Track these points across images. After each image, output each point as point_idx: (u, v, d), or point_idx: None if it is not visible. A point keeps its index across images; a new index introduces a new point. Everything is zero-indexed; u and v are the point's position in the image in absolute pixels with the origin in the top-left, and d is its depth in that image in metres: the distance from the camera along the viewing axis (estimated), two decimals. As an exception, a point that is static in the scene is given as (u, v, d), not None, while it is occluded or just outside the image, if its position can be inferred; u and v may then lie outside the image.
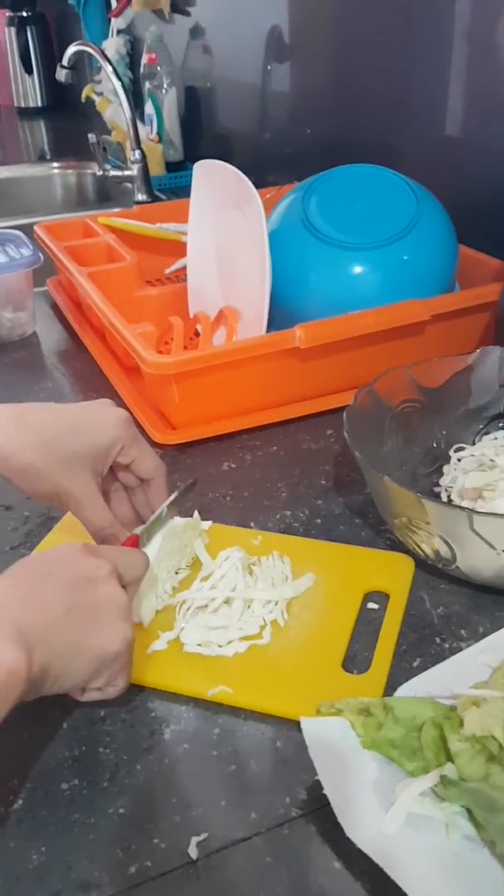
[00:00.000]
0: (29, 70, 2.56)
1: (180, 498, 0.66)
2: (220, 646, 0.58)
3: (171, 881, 0.45)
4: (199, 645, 0.58)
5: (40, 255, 1.08)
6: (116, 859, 0.46)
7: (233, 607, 0.60)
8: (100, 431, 0.61)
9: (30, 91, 2.60)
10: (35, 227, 1.17)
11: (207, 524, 0.70)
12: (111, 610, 0.50)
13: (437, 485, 0.72)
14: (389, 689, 0.55)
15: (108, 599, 0.50)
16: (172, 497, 0.65)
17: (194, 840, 0.47)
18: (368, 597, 0.63)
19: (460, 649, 0.58)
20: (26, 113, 2.61)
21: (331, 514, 0.73)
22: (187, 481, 0.69)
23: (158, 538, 0.62)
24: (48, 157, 2.17)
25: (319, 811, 0.48)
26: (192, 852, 0.46)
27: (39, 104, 2.61)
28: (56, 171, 2.02)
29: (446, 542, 0.58)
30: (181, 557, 0.65)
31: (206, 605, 0.60)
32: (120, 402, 0.92)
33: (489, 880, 0.43)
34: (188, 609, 0.60)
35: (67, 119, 2.48)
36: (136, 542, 0.60)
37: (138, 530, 0.62)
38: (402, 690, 0.54)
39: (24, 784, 0.50)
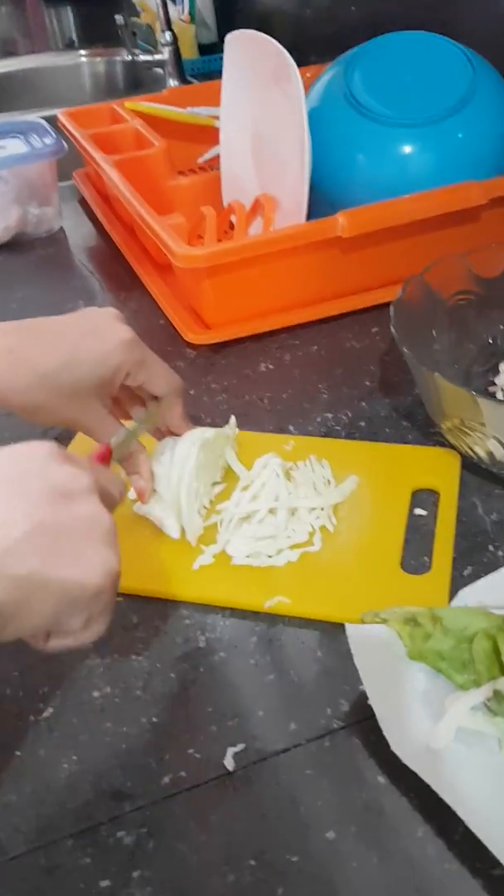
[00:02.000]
0: (54, -49, 2.41)
1: (153, 413, 0.60)
2: (269, 556, 0.55)
3: (205, 792, 0.43)
4: (248, 556, 0.55)
5: (64, 144, 1.02)
6: (149, 769, 0.44)
7: (278, 516, 0.56)
8: (101, 359, 0.54)
9: (55, -25, 2.45)
10: (58, 115, 1.10)
11: (234, 431, 0.65)
12: (91, 532, 0.39)
13: (493, 384, 0.67)
14: (453, 591, 0.51)
15: (87, 519, 0.39)
16: (145, 413, 0.59)
17: (230, 751, 0.45)
18: (416, 496, 0.59)
19: (514, 558, 0.54)
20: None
21: (376, 417, 0.69)
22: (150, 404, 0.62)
23: (193, 450, 0.58)
24: (76, 44, 2.05)
25: (363, 723, 0.46)
26: (229, 763, 0.44)
27: (66, -12, 2.46)
28: (84, 59, 1.91)
29: (502, 444, 0.54)
30: (215, 470, 0.61)
31: (250, 517, 0.57)
32: (151, 301, 0.87)
33: (544, 799, 0.40)
34: (231, 521, 0.57)
35: (95, 3, 2.33)
36: (106, 456, 0.53)
37: (112, 442, 0.56)
38: (453, 601, 0.50)
39: (55, 692, 0.49)
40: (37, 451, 0.40)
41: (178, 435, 0.60)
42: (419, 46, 0.83)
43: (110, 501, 0.43)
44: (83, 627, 0.39)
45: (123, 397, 0.60)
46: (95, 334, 0.55)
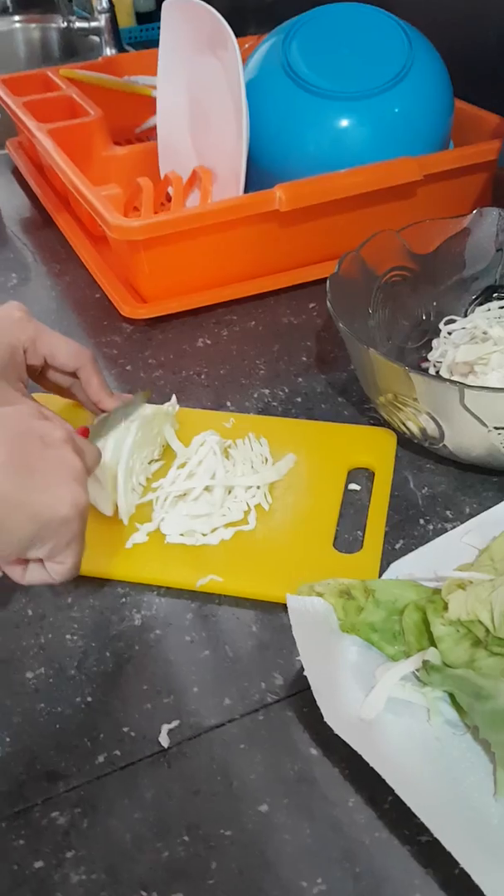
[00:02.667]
0: None
1: (134, 405, 0.60)
2: (203, 534, 0.54)
3: (140, 770, 0.43)
4: (182, 535, 0.54)
5: (-4, 111, 0.99)
6: (84, 749, 0.44)
7: (214, 494, 0.56)
8: None
9: None
10: (-10, 82, 1.07)
11: (175, 408, 0.65)
12: (62, 470, 0.44)
13: (426, 360, 0.68)
14: (385, 564, 0.52)
15: (59, 459, 0.44)
16: (123, 404, 0.60)
17: (165, 728, 0.45)
18: (352, 475, 0.59)
19: (445, 531, 0.55)
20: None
21: (312, 393, 0.69)
22: (139, 390, 0.64)
23: (131, 427, 0.57)
24: (10, 9, 1.99)
25: (296, 696, 0.46)
26: (163, 740, 0.44)
27: None
28: (17, 25, 1.85)
29: (434, 419, 0.55)
30: (153, 448, 0.61)
31: (186, 494, 0.57)
32: (86, 274, 0.86)
33: (470, 766, 0.42)
34: (166, 499, 0.56)
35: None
36: (85, 433, 0.55)
37: (91, 425, 0.57)
38: (385, 573, 0.51)
39: (-14, 673, 0.48)
40: (21, 407, 0.47)
41: (104, 409, 0.60)
42: (357, 19, 0.82)
43: (87, 464, 0.47)
44: (51, 556, 0.44)
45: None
46: None
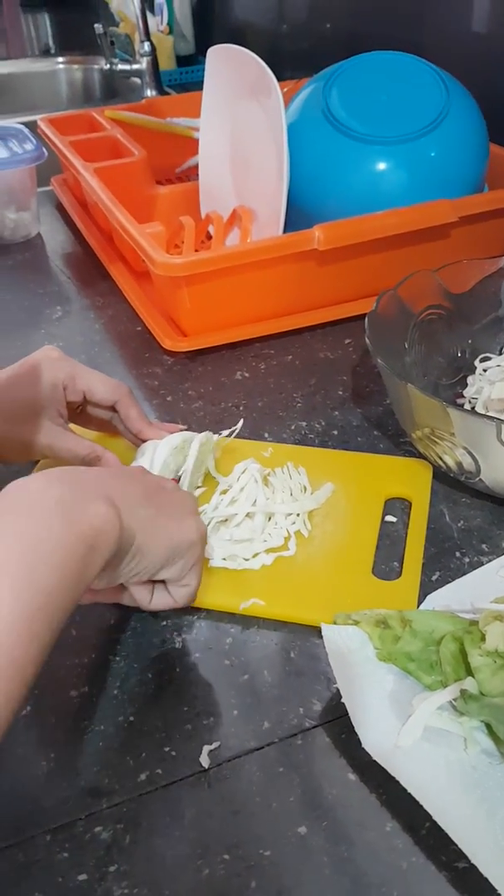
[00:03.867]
0: (32, -43, 2.41)
1: (205, 449, 0.63)
2: (245, 559, 0.56)
3: (181, 789, 0.44)
4: (225, 559, 0.56)
5: (44, 150, 1.03)
6: (126, 767, 0.45)
7: (255, 520, 0.58)
8: (34, 383, 0.59)
9: (33, -19, 2.45)
10: (38, 121, 1.11)
11: (216, 437, 0.67)
12: (184, 505, 0.49)
13: (461, 396, 0.69)
14: (422, 595, 0.53)
15: (179, 498, 0.50)
16: (195, 450, 0.62)
17: (206, 749, 0.46)
18: (389, 504, 0.61)
19: (481, 564, 0.56)
20: (30, 5, 2.46)
21: (348, 426, 0.70)
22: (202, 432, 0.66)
23: (188, 461, 0.60)
24: (53, 51, 2.06)
25: (333, 722, 0.47)
26: (204, 761, 0.45)
27: (44, -6, 2.46)
28: (61, 66, 1.92)
29: (470, 454, 0.56)
30: (198, 475, 0.62)
31: (228, 520, 0.58)
32: (128, 308, 0.88)
33: (507, 795, 0.42)
34: (208, 524, 0.58)
35: (73, 11, 2.34)
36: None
37: (149, 447, 0.61)
38: (422, 605, 0.52)
39: (32, 691, 0.49)
40: (130, 468, 0.53)
41: (144, 439, 0.62)
42: (396, 67, 0.85)
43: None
44: (178, 579, 0.48)
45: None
46: (26, 360, 0.61)
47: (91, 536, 0.40)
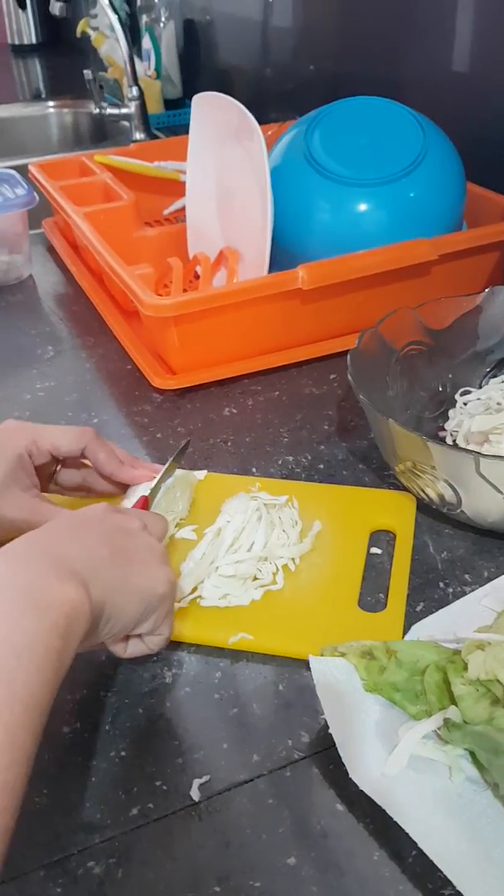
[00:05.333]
0: (22, 5, 2.47)
1: (178, 457, 0.64)
2: (236, 595, 0.57)
3: (173, 822, 0.45)
4: (220, 598, 0.57)
5: (35, 195, 1.05)
6: (118, 801, 0.46)
7: (250, 561, 0.58)
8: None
9: (24, 27, 2.52)
10: (30, 167, 1.14)
11: (203, 474, 0.68)
12: (151, 555, 0.49)
13: (443, 429, 0.71)
14: (407, 625, 0.54)
15: (146, 546, 0.49)
16: (169, 461, 0.63)
17: (196, 782, 0.46)
18: (374, 536, 0.62)
19: (464, 594, 0.57)
20: (20, 50, 2.53)
21: (334, 460, 0.72)
22: (180, 442, 0.68)
23: (159, 494, 0.61)
24: (43, 95, 2.10)
25: (322, 754, 0.48)
26: (195, 794, 0.46)
27: (34, 41, 2.52)
28: (51, 109, 1.96)
29: (451, 487, 0.57)
30: (175, 513, 0.63)
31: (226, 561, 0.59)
32: (118, 346, 0.90)
33: (491, 821, 0.43)
34: (212, 564, 0.58)
35: (63, 56, 2.40)
36: (144, 504, 0.59)
37: (140, 490, 0.61)
38: (406, 635, 0.53)
39: (25, 727, 0.50)
40: (95, 508, 0.51)
41: (120, 480, 0.62)
42: (375, 111, 0.88)
43: (157, 535, 0.53)
44: (152, 630, 0.49)
45: (71, 484, 0.64)
46: None
47: (64, 626, 0.40)
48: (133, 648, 0.50)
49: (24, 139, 1.91)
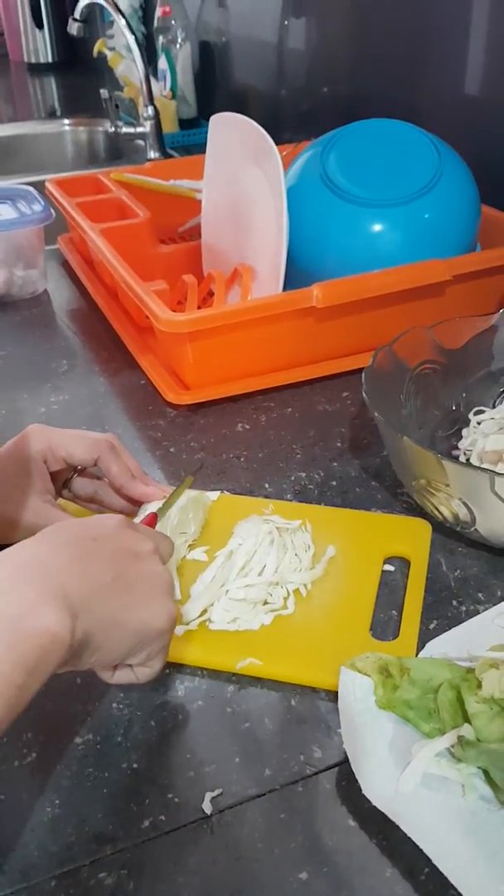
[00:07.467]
0: (39, 25, 2.51)
1: (182, 487, 0.64)
2: (245, 620, 0.57)
3: (184, 835, 0.45)
4: (229, 623, 0.56)
5: (52, 211, 1.07)
6: (130, 813, 0.46)
7: (263, 585, 0.58)
8: (19, 460, 0.59)
9: (40, 46, 2.55)
10: (46, 183, 1.15)
11: (215, 494, 0.68)
12: (156, 585, 0.47)
13: (456, 448, 0.71)
14: (420, 643, 0.54)
15: (153, 574, 0.47)
16: (181, 482, 0.63)
17: (208, 795, 0.46)
18: (388, 562, 0.62)
19: (477, 612, 0.57)
20: (37, 69, 2.56)
21: (346, 477, 0.72)
22: (194, 461, 0.68)
23: (170, 515, 0.61)
24: (59, 113, 2.13)
25: (334, 769, 0.48)
26: (207, 807, 0.46)
27: (50, 60, 2.56)
28: (67, 127, 1.99)
29: (466, 505, 0.58)
30: (188, 534, 0.63)
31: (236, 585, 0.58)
32: (132, 361, 0.91)
33: (505, 840, 0.43)
34: (222, 587, 0.58)
35: (79, 75, 2.44)
36: (153, 521, 0.58)
37: (151, 508, 0.61)
38: (420, 653, 0.53)
39: (38, 738, 0.50)
40: (108, 521, 0.49)
41: (128, 494, 0.62)
42: (390, 133, 0.89)
43: (164, 558, 0.51)
44: (143, 663, 0.47)
45: (86, 494, 0.64)
46: (12, 440, 0.61)
47: (34, 661, 0.38)
48: (120, 677, 0.48)
49: (41, 156, 1.94)
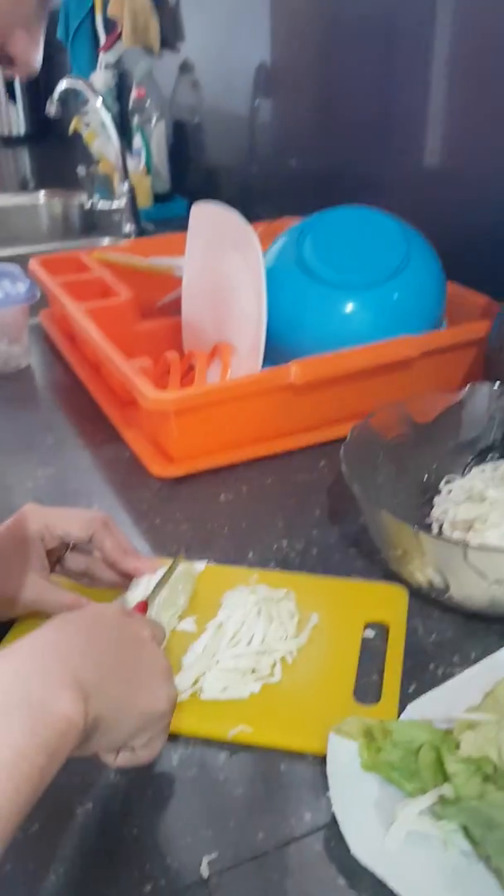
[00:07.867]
0: (12, 98, 2.59)
1: (175, 565, 0.66)
2: (235, 688, 0.59)
3: (184, 899, 0.47)
4: (222, 691, 0.58)
5: (37, 290, 1.11)
6: (132, 879, 0.48)
7: (252, 655, 0.61)
8: (18, 540, 0.62)
9: (13, 119, 2.63)
10: (30, 264, 1.20)
11: (202, 564, 0.71)
12: (158, 669, 0.50)
13: (429, 516, 0.75)
14: (400, 705, 0.57)
15: (154, 659, 0.51)
16: (169, 565, 0.66)
17: (205, 859, 0.49)
18: (368, 627, 0.65)
19: (453, 675, 0.60)
20: (9, 141, 2.63)
21: (326, 544, 0.76)
22: (178, 546, 0.71)
23: (158, 591, 0.63)
24: (31, 185, 2.19)
25: (322, 831, 0.50)
26: (204, 871, 0.48)
27: (22, 132, 2.63)
28: (42, 200, 2.04)
29: (440, 573, 0.61)
30: (176, 607, 0.66)
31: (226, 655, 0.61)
32: (115, 434, 0.94)
33: (486, 892, 0.46)
34: (213, 657, 0.60)
35: (51, 147, 2.51)
36: (144, 608, 0.60)
37: (142, 582, 0.64)
38: (401, 715, 0.56)
39: (41, 809, 0.52)
40: (107, 610, 0.52)
41: (122, 569, 0.65)
42: (361, 219, 0.96)
43: (158, 643, 0.54)
44: (145, 745, 0.50)
45: (79, 568, 0.67)
46: (11, 519, 0.63)
47: (55, 745, 0.40)
48: (123, 760, 0.50)
49: (16, 228, 1.98)
